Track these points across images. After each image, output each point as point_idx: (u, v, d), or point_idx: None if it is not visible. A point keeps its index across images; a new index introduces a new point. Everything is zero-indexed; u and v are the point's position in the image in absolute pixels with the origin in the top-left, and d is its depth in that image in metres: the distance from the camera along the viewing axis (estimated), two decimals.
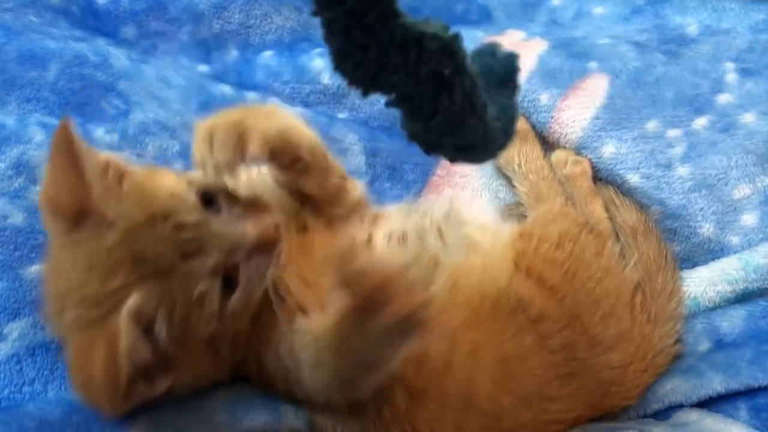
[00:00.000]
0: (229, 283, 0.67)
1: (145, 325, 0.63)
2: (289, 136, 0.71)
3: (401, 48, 0.42)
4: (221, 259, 0.66)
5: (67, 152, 0.65)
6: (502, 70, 0.54)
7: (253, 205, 0.72)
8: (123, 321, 0.60)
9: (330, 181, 0.81)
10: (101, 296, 0.63)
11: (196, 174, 0.71)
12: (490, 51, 0.54)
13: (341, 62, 0.43)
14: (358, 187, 0.84)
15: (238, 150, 0.66)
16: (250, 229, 0.68)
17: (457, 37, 0.44)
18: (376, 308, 0.54)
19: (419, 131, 0.47)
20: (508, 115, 0.54)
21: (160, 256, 0.63)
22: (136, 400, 0.63)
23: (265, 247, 0.69)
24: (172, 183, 0.70)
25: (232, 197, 0.71)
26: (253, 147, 0.66)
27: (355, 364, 0.63)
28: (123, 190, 0.69)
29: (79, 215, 0.65)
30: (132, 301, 0.62)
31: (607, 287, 0.85)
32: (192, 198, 0.68)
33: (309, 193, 0.80)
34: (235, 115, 0.68)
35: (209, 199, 0.70)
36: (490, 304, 0.79)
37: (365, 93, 0.45)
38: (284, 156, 0.72)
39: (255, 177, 0.78)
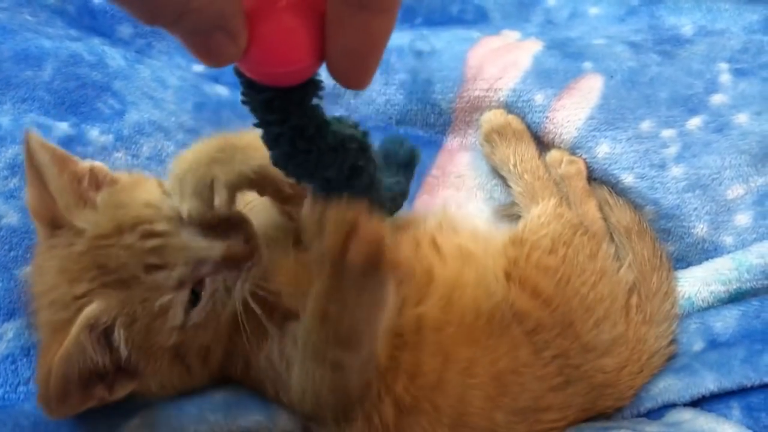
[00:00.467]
0: (195, 296, 0.68)
1: (101, 332, 0.65)
2: (266, 172, 0.69)
3: (332, 150, 0.51)
4: (186, 272, 0.66)
5: (31, 165, 0.70)
6: (404, 156, 0.69)
7: (226, 221, 0.70)
8: (75, 327, 0.63)
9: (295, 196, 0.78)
10: (67, 300, 0.65)
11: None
12: (398, 141, 0.69)
13: (285, 164, 0.52)
14: None
15: (206, 200, 0.67)
16: (217, 243, 0.68)
17: (366, 135, 0.54)
18: (345, 259, 0.54)
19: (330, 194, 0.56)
20: (401, 189, 0.68)
21: (123, 266, 0.65)
22: (92, 402, 0.65)
23: (233, 262, 0.69)
24: (151, 193, 0.71)
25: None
26: (219, 199, 0.67)
27: (340, 338, 0.62)
28: (98, 199, 0.71)
29: (53, 223, 0.69)
30: (89, 308, 0.64)
31: (601, 291, 0.85)
32: (167, 208, 0.68)
33: (295, 217, 0.79)
34: (204, 160, 0.68)
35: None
36: (484, 321, 0.79)
37: (299, 182, 0.56)
38: (263, 189, 0.72)
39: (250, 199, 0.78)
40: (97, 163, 0.76)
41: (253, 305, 0.69)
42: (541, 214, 0.92)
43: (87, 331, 0.63)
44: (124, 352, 0.66)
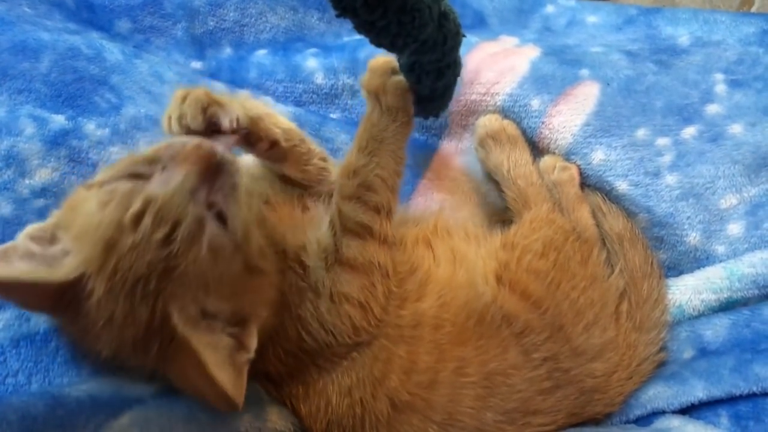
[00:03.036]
0: (220, 216, 0.66)
1: (204, 318, 0.64)
2: (261, 121, 0.78)
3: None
4: (192, 210, 0.63)
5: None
6: None
7: (174, 153, 0.67)
8: (188, 337, 0.62)
9: (310, 165, 0.86)
10: (143, 333, 0.63)
11: (102, 173, 0.70)
12: None
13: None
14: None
15: (206, 114, 0.70)
16: (182, 168, 0.64)
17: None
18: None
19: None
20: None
21: (148, 263, 0.62)
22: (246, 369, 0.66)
23: (208, 168, 0.65)
24: (92, 199, 0.65)
25: (153, 160, 0.67)
26: (225, 122, 0.70)
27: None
28: (61, 245, 0.66)
29: (49, 305, 0.65)
30: (176, 317, 0.62)
31: (591, 296, 0.85)
32: (122, 187, 0.64)
33: (292, 177, 0.85)
34: (215, 94, 0.73)
35: (136, 174, 0.66)
36: (474, 322, 0.80)
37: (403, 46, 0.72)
38: (260, 141, 0.77)
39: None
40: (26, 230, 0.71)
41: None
42: (533, 219, 0.93)
43: (203, 331, 0.63)
44: (226, 312, 0.66)
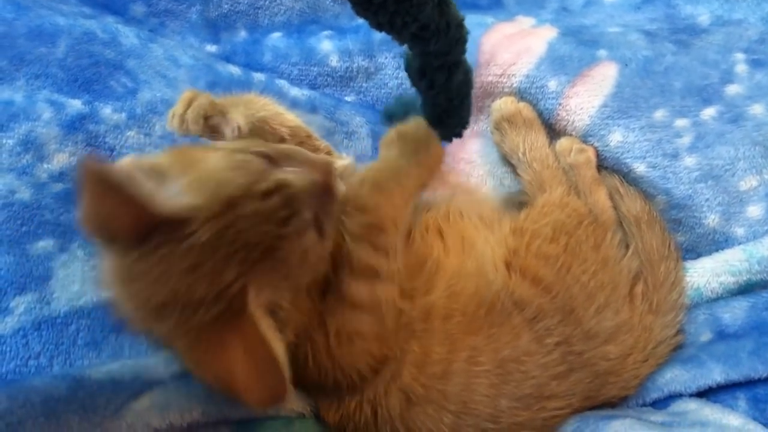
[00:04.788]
0: (319, 229, 0.67)
1: (271, 308, 0.64)
2: (266, 123, 0.77)
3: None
4: (312, 210, 0.65)
5: (103, 182, 0.59)
6: None
7: (308, 160, 0.70)
8: (257, 317, 0.60)
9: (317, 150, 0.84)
10: (215, 294, 0.60)
11: (234, 143, 0.72)
12: None
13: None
14: (346, 160, 0.86)
15: (208, 122, 0.73)
16: (314, 173, 0.67)
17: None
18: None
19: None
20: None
21: (263, 233, 0.61)
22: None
23: (328, 186, 0.68)
24: (220, 159, 0.65)
25: (286, 155, 0.69)
26: (228, 131, 0.71)
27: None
28: (173, 185, 0.63)
29: (139, 231, 0.60)
30: (254, 291, 0.61)
31: (602, 279, 0.84)
32: (256, 161, 0.65)
33: None
34: (220, 99, 0.74)
35: (268, 156, 0.67)
36: (486, 310, 0.79)
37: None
38: (269, 139, 0.76)
39: None
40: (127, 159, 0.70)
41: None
42: (545, 203, 0.92)
43: (266, 316, 0.62)
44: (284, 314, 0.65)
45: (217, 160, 0.64)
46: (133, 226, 0.59)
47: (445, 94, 0.77)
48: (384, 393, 0.75)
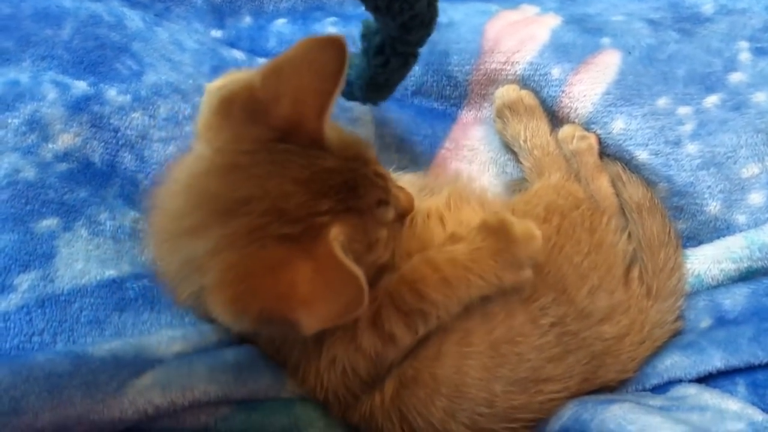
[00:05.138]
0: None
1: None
2: None
3: None
4: (393, 216, 0.69)
5: (332, 74, 0.61)
6: None
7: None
8: (335, 245, 0.59)
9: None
10: (303, 214, 0.60)
11: None
12: None
13: None
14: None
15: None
16: (402, 197, 0.71)
17: None
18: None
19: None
20: None
21: (366, 195, 0.64)
22: None
23: (404, 215, 0.73)
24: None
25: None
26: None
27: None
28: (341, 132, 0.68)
29: (291, 130, 0.61)
30: (337, 230, 0.60)
31: (595, 260, 0.84)
32: (374, 154, 0.69)
33: None
34: (249, 81, 0.64)
35: None
36: None
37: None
38: None
39: None
40: None
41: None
42: (540, 187, 0.92)
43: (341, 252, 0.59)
44: None
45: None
46: (295, 121, 0.61)
47: (390, 74, 0.81)
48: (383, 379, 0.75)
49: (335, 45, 0.61)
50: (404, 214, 0.73)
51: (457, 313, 0.74)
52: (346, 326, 0.72)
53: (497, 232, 0.75)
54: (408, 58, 0.79)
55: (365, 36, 0.79)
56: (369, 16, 1.07)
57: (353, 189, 0.63)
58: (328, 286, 0.58)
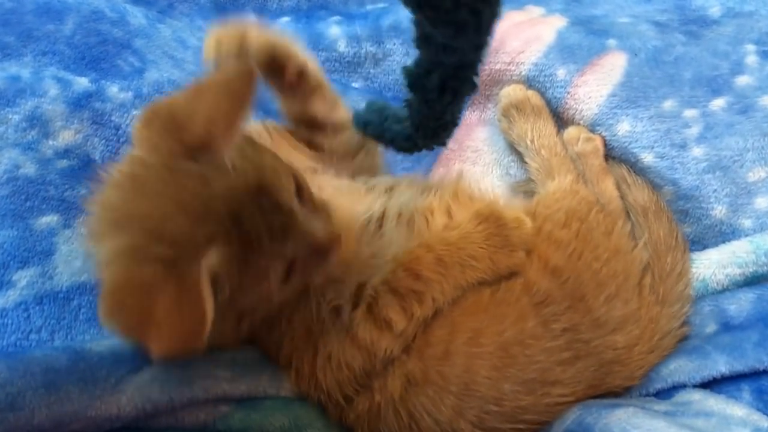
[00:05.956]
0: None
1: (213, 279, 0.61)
2: (287, 45, 0.80)
3: None
4: (295, 251, 0.65)
5: (238, 91, 0.63)
6: None
7: (321, 207, 0.71)
8: (203, 273, 0.58)
9: (339, 104, 0.86)
10: (182, 238, 0.60)
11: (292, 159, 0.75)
12: None
13: None
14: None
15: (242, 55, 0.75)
16: (320, 232, 0.67)
17: None
18: None
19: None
20: None
21: (253, 224, 0.62)
22: None
23: (322, 252, 0.68)
24: (283, 167, 0.68)
25: (309, 194, 0.70)
26: (254, 50, 0.75)
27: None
28: (246, 149, 0.67)
29: (200, 147, 0.62)
30: (213, 255, 0.60)
31: (614, 268, 0.84)
32: (292, 185, 0.67)
33: (318, 118, 0.84)
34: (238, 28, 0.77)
35: (298, 188, 0.68)
36: (491, 290, 0.78)
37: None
38: (285, 70, 0.78)
39: None
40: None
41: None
42: (556, 189, 0.91)
43: (208, 279, 0.59)
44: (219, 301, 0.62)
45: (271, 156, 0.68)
46: (202, 138, 0.61)
47: (457, 105, 0.65)
48: (387, 380, 0.75)
49: (249, 74, 0.64)
50: (320, 249, 0.68)
51: (453, 297, 0.74)
52: (341, 322, 0.72)
53: (489, 218, 0.78)
54: (474, 80, 0.62)
55: (416, 83, 0.63)
56: (374, 15, 1.07)
57: (237, 218, 0.61)
58: (180, 313, 0.57)
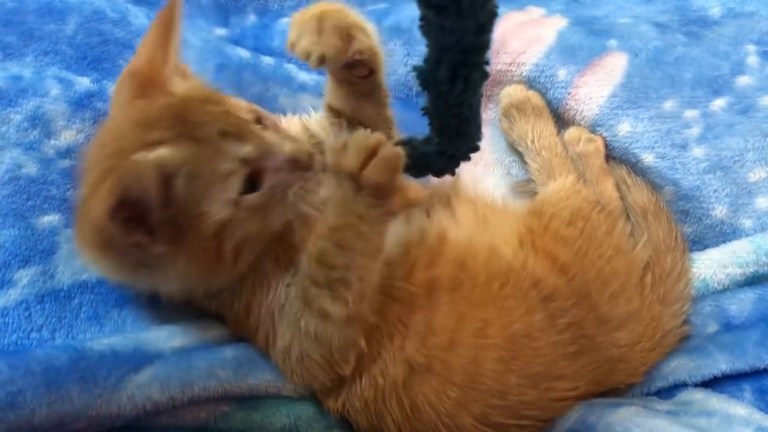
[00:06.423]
0: (252, 185, 0.69)
1: (165, 177, 0.64)
2: (362, 27, 0.74)
3: None
4: (254, 153, 0.68)
5: (165, 27, 0.73)
6: None
7: (295, 137, 0.76)
8: (147, 161, 0.63)
9: (387, 110, 0.83)
10: (137, 146, 0.65)
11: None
12: None
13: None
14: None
15: (346, 40, 0.70)
16: (288, 145, 0.71)
17: None
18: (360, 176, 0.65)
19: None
20: None
21: (203, 124, 0.67)
22: (129, 244, 0.65)
23: (296, 166, 0.71)
24: (235, 100, 0.75)
25: (278, 130, 0.75)
26: (359, 42, 0.71)
27: (330, 282, 0.70)
28: (194, 79, 0.76)
29: (148, 84, 0.71)
30: (162, 150, 0.65)
31: (617, 266, 0.84)
32: (246, 107, 0.73)
33: (365, 121, 0.82)
34: (337, 8, 0.71)
35: (259, 119, 0.74)
36: (499, 284, 0.78)
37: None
38: (372, 60, 0.75)
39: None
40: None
41: (300, 213, 0.73)
42: (559, 189, 0.92)
43: (154, 170, 0.63)
44: (180, 204, 0.66)
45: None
46: (148, 76, 0.71)
47: (473, 95, 0.65)
48: (387, 365, 0.74)
49: (171, 4, 0.74)
50: (292, 159, 0.70)
51: (378, 260, 0.71)
52: (290, 311, 0.72)
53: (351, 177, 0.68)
54: (483, 67, 0.62)
55: (427, 78, 0.63)
56: (376, 16, 1.06)
57: (184, 120, 0.67)
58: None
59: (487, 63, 0.61)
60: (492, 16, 0.56)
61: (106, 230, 0.62)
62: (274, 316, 0.74)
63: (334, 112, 0.85)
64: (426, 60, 0.61)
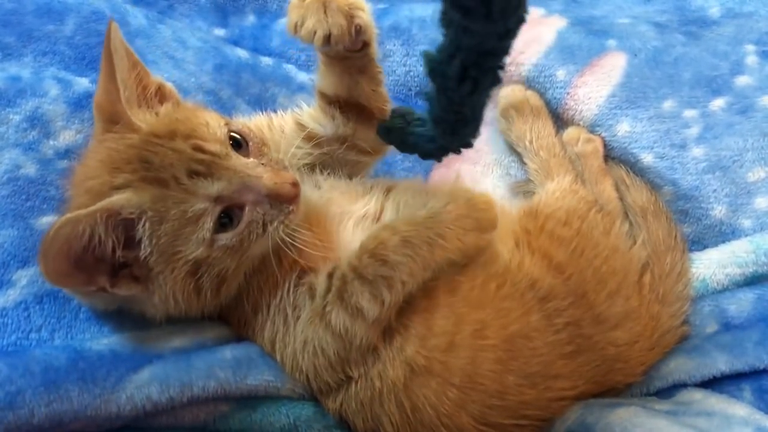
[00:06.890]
0: (229, 219, 0.69)
1: (122, 222, 0.65)
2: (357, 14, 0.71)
3: None
4: (228, 190, 0.68)
5: (106, 52, 0.71)
6: None
7: (278, 163, 0.74)
8: (97, 205, 0.64)
9: (382, 87, 0.82)
10: (104, 189, 0.67)
11: (241, 120, 0.77)
12: None
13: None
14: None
15: (350, 20, 0.68)
16: (267, 176, 0.70)
17: None
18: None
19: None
20: None
21: (168, 165, 0.67)
22: (91, 286, 0.66)
23: (278, 198, 0.70)
24: (213, 119, 0.73)
25: (262, 150, 0.74)
26: (359, 19, 0.68)
27: (378, 278, 0.71)
28: (161, 107, 0.75)
29: (112, 118, 0.71)
30: (120, 195, 0.65)
31: (614, 265, 0.84)
32: (222, 132, 0.71)
33: (361, 99, 0.81)
34: None
35: (239, 142, 0.73)
36: (496, 285, 0.78)
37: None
38: (367, 33, 0.73)
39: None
40: (168, 83, 0.79)
41: (285, 247, 0.72)
42: (556, 189, 0.92)
43: (106, 214, 0.64)
44: (146, 248, 0.67)
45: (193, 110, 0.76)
46: (109, 110, 0.72)
47: (479, 100, 0.64)
48: (386, 366, 0.74)
49: (106, 35, 0.71)
50: (273, 193, 0.70)
51: (423, 279, 0.73)
52: (315, 306, 0.72)
53: (458, 199, 0.76)
54: (497, 72, 0.60)
55: (435, 69, 0.61)
56: (376, 17, 1.06)
57: (148, 163, 0.67)
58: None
59: (501, 68, 0.59)
60: (521, 21, 0.54)
61: (58, 285, 0.67)
62: (287, 314, 0.74)
63: (327, 98, 0.83)
64: (439, 50, 0.59)
